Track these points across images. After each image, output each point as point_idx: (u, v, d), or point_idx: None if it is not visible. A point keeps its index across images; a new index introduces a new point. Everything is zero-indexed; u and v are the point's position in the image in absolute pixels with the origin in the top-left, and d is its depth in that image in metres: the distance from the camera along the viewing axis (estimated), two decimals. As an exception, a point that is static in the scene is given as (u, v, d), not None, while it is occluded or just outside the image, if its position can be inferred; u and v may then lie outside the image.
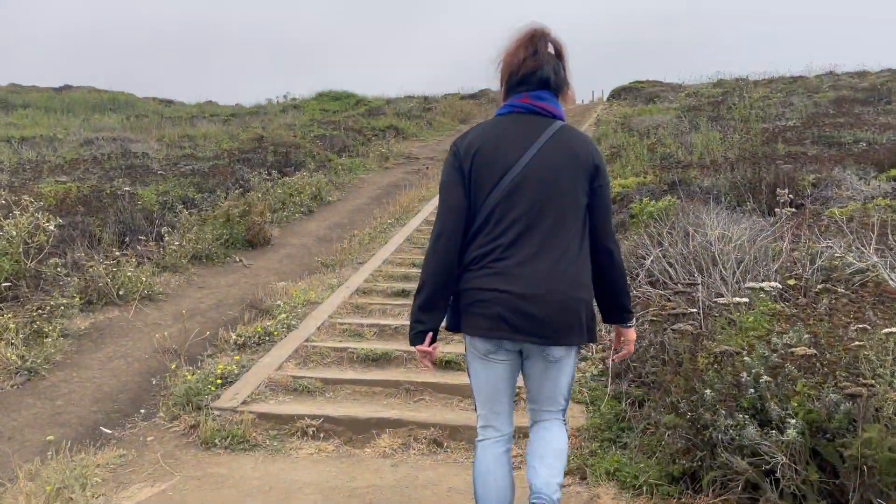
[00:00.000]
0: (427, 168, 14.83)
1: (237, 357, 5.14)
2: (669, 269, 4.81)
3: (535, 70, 2.46)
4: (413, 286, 7.14)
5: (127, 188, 8.86)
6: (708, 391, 3.01)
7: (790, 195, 6.80)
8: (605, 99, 32.13)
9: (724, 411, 2.90)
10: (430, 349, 2.50)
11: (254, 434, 4.15)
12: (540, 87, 2.49)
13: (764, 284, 3.63)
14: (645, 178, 8.48)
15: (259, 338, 5.48)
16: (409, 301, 6.53)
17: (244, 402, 4.43)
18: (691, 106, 18.45)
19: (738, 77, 29.72)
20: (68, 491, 3.23)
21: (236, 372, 4.84)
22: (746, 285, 3.79)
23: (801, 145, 9.86)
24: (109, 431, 4.10)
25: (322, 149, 15.75)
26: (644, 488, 3.22)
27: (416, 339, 2.50)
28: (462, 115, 27.59)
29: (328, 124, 21.52)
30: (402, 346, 5.47)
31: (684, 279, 4.69)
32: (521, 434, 3.58)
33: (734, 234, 4.92)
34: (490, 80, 2.61)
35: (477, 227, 2.44)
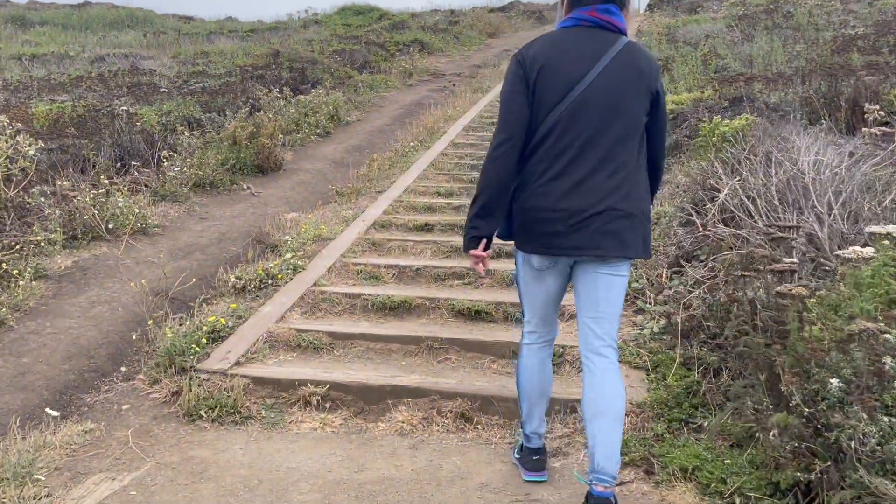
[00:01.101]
0: (454, 85, 13.76)
1: (233, 305, 4.44)
2: (749, 205, 3.93)
3: None
4: (437, 218, 6.35)
5: (124, 108, 8.05)
6: (834, 381, 2.21)
7: (880, 111, 5.78)
8: (640, 11, 30.19)
9: (859, 411, 2.10)
10: (483, 254, 2.55)
11: (247, 403, 3.47)
12: (607, 0, 2.45)
13: (892, 228, 2.76)
14: (702, 93, 7.43)
15: (261, 281, 4.76)
16: (432, 237, 5.75)
17: (237, 363, 3.74)
18: (742, 15, 16.87)
19: None
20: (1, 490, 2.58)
21: (230, 325, 4.14)
22: (869, 229, 2.92)
23: (878, 55, 8.64)
24: (55, 413, 3.41)
25: (341, 65, 14.71)
26: (736, 500, 2.47)
27: (470, 244, 2.56)
28: (490, 28, 26.01)
29: (350, 39, 20.31)
30: (424, 291, 4.72)
31: (771, 217, 3.82)
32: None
33: (828, 160, 4.00)
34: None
35: (537, 142, 2.45)
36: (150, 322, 4.09)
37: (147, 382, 3.69)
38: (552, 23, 25.18)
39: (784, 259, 2.96)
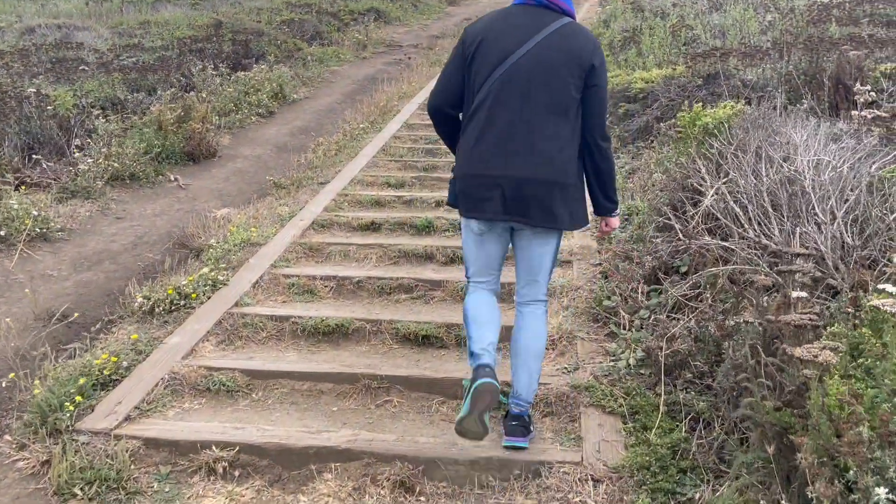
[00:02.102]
0: (409, 58, 12.96)
1: (134, 336, 3.74)
2: (738, 211, 3.35)
3: None
4: (385, 215, 5.61)
5: (32, 89, 7.16)
6: (881, 490, 1.64)
7: (871, 92, 5.24)
8: (605, -23, 29.49)
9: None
10: None
11: (136, 474, 2.80)
12: None
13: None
14: (673, 69, 6.83)
15: (172, 302, 4.05)
16: (379, 239, 5.11)
17: (128, 419, 3.06)
18: (709, -19, 16.28)
19: None
20: None
21: (126, 365, 3.44)
22: (899, 260, 2.34)
23: (857, 26, 8.14)
24: None
25: (290, 36, 13.79)
26: None
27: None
28: (451, -5, 25.00)
29: (302, 8, 19.25)
30: (364, 311, 4.07)
31: (764, 226, 3.25)
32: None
33: (829, 157, 3.43)
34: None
35: (472, 112, 2.61)
36: (22, 366, 3.35)
37: (14, 446, 2.99)
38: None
39: (793, 292, 2.37)
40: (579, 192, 2.67)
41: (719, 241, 3.37)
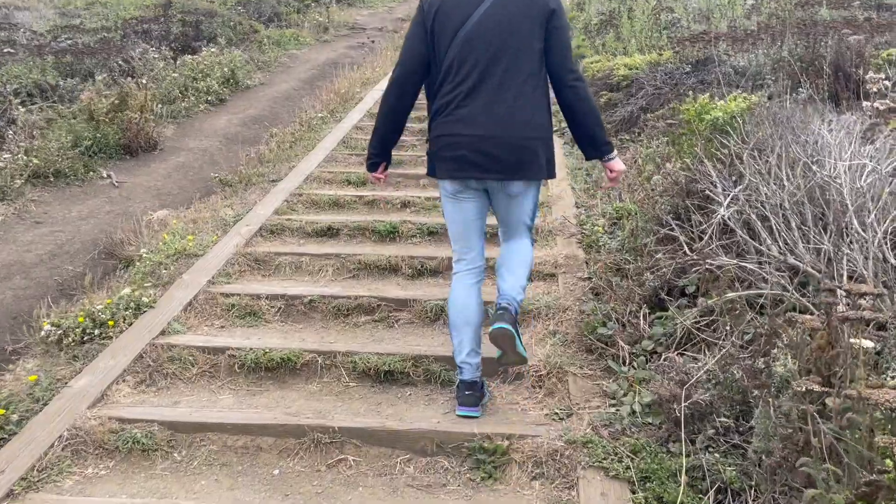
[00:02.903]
0: (373, 42, 12.24)
1: (32, 377, 3.07)
2: (760, 226, 2.80)
3: None
4: (344, 218, 4.94)
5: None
6: None
7: (884, 80, 4.74)
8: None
9: None
10: (382, 175, 2.92)
11: (12, 576, 2.17)
12: None
13: None
14: (659, 55, 6.29)
15: (85, 331, 3.39)
16: (336, 247, 4.47)
17: (9, 495, 2.41)
18: (683, -36, 15.82)
19: None
20: None
21: (16, 419, 2.78)
22: None
23: (847, 9, 7.69)
24: None
25: (245, 17, 12.96)
26: None
27: (371, 167, 2.91)
28: (417, -23, 24.19)
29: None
30: (317, 339, 3.46)
31: (790, 242, 2.71)
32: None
33: (859, 158, 2.90)
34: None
35: (441, 79, 2.64)
36: None
37: None
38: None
39: (856, 341, 1.82)
40: (552, 141, 2.70)
41: (737, 261, 2.82)
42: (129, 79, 7.32)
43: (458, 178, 2.68)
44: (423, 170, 6.02)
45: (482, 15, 2.57)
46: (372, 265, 4.21)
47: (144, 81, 7.20)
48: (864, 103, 4.63)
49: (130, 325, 3.47)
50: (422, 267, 4.18)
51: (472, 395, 2.75)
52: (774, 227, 2.84)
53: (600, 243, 4.26)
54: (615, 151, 2.81)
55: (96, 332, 3.38)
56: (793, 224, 2.82)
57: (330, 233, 4.72)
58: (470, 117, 2.58)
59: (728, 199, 2.91)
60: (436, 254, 4.31)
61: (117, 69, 8.13)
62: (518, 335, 2.68)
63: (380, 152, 2.86)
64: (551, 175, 2.74)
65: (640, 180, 4.97)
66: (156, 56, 8.15)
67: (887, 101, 4.58)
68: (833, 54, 5.72)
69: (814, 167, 2.80)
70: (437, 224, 4.72)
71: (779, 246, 2.82)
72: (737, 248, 2.99)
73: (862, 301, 1.95)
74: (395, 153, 6.44)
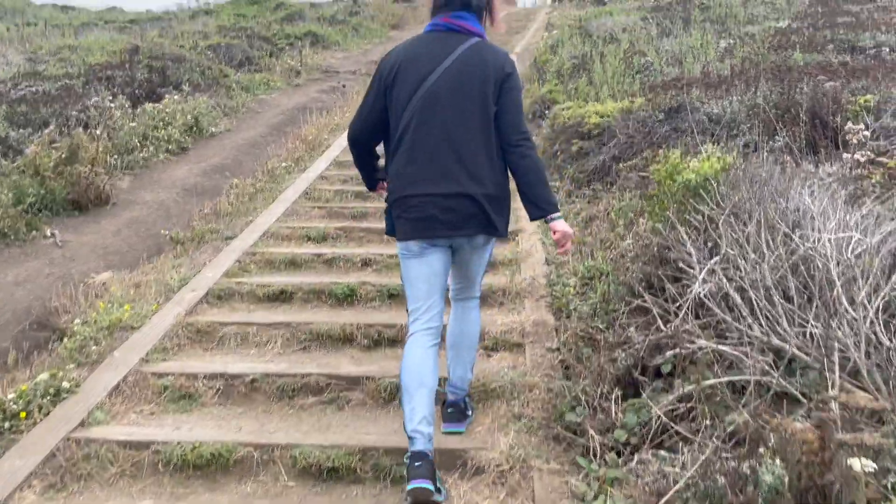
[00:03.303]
0: (343, 86, 12.05)
1: (-78, 487, 2.70)
2: (740, 303, 2.53)
3: None
4: (300, 280, 4.55)
5: None
6: None
7: (864, 131, 4.55)
8: (547, 2, 29.24)
9: None
10: (384, 189, 2.88)
11: None
12: (461, 8, 2.69)
13: None
14: (631, 102, 6.10)
15: (-8, 424, 3.01)
16: (288, 315, 4.15)
17: None
18: (655, 7, 15.91)
19: None
20: None
21: None
22: None
23: (821, 53, 7.59)
24: None
25: (216, 62, 12.73)
26: None
27: (371, 188, 3.04)
28: (393, 19, 24.35)
29: (237, 31, 18.27)
30: (257, 425, 3.12)
31: (772, 320, 2.43)
32: None
33: (845, 231, 2.64)
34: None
35: (398, 138, 2.68)
36: None
37: None
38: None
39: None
40: (508, 200, 2.75)
41: (716, 344, 2.54)
42: (84, 129, 7.00)
43: (426, 238, 2.68)
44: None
45: (440, 76, 2.64)
46: (325, 335, 3.89)
47: (99, 132, 6.89)
48: (845, 155, 4.44)
49: (47, 414, 3.11)
50: (379, 336, 3.87)
51: (424, 466, 2.52)
52: (755, 303, 2.56)
53: (571, 307, 3.97)
54: (560, 212, 2.78)
55: (6, 425, 3.02)
56: (776, 300, 2.55)
57: (283, 297, 4.39)
58: (432, 177, 2.62)
59: (704, 272, 2.64)
60: (395, 320, 4.01)
61: (74, 119, 7.81)
62: (467, 413, 3.04)
63: (370, 182, 3.03)
64: (505, 234, 2.82)
65: (612, 235, 4.72)
66: (112, 104, 7.83)
67: (867, 153, 4.39)
68: (809, 101, 5.56)
69: (796, 237, 2.54)
70: (399, 285, 4.41)
71: (761, 324, 2.54)
72: (715, 324, 2.71)
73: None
74: (360, 204, 6.17)
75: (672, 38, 10.93)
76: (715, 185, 2.89)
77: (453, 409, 3.00)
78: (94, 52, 13.95)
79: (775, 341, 2.50)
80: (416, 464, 2.51)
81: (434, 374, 2.68)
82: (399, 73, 2.66)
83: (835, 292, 2.47)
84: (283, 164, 7.36)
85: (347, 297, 4.35)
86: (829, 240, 2.47)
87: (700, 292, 2.54)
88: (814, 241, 2.50)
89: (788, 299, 2.57)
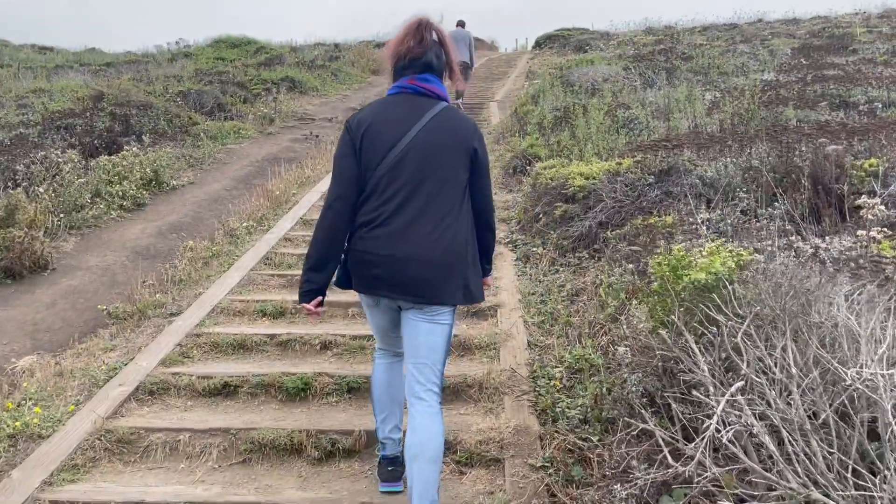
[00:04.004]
0: (317, 136, 11.60)
1: None
2: (771, 446, 2.01)
3: (420, 56, 2.71)
4: (248, 369, 3.97)
5: None
6: None
7: (878, 207, 4.12)
8: (528, 48, 29.33)
9: None
10: (316, 310, 2.73)
11: None
12: (424, 70, 2.73)
13: None
14: (618, 163, 5.66)
15: None
16: (230, 414, 3.55)
17: None
18: (637, 56, 15.77)
19: (666, 24, 28.23)
20: None
21: None
22: None
23: (813, 109, 7.26)
24: None
25: (184, 109, 12.27)
26: None
27: (304, 297, 2.72)
28: (374, 65, 24.14)
29: (213, 76, 17.92)
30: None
31: (811, 467, 1.91)
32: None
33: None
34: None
35: (366, 196, 2.66)
36: None
37: None
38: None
39: None
40: (471, 267, 2.71)
41: (740, 489, 2.00)
42: (29, 185, 6.43)
43: (370, 294, 2.72)
44: (356, 296, 5.21)
45: (412, 140, 2.63)
46: (269, 444, 3.31)
47: (42, 190, 6.32)
48: (860, 232, 4.00)
49: None
50: (333, 447, 3.30)
51: (395, 470, 2.89)
52: (789, 444, 2.04)
53: (557, 409, 3.44)
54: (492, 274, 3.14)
55: None
56: (813, 443, 2.03)
57: (226, 391, 3.82)
58: (389, 237, 2.60)
59: (723, 404, 2.12)
60: (353, 424, 3.45)
61: (22, 173, 7.25)
62: None
63: (315, 279, 2.68)
64: (468, 301, 2.73)
65: (602, 317, 4.22)
66: (61, 158, 7.27)
67: (884, 230, 3.95)
68: (811, 165, 5.15)
69: (835, 363, 2.03)
70: (361, 377, 3.87)
71: (797, 473, 2.02)
72: (730, 455, 2.18)
73: None
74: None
75: (656, 88, 10.65)
76: (731, 289, 2.39)
77: None
78: (59, 98, 13.46)
79: (816, 495, 1.98)
80: (389, 468, 2.90)
81: (402, 387, 2.84)
82: (368, 134, 2.65)
83: (889, 433, 1.96)
84: (244, 224, 6.81)
85: (300, 392, 3.78)
86: (881, 370, 1.96)
87: (722, 436, 2.01)
88: (860, 371, 1.99)
89: (829, 443, 2.05)
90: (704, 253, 2.75)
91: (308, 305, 2.69)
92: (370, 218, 2.61)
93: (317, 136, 11.50)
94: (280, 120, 13.42)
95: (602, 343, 3.94)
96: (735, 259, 2.51)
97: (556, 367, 3.92)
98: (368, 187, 2.63)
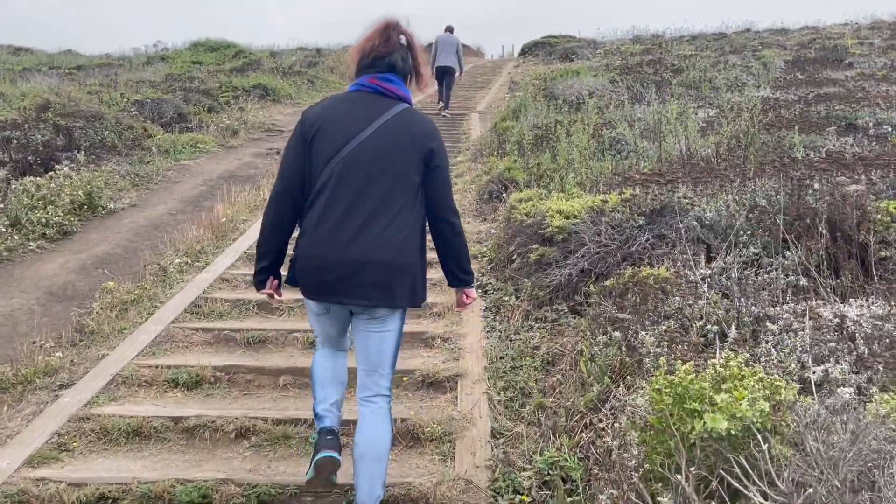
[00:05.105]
0: (278, 153, 10.75)
1: None
2: None
3: (384, 55, 2.69)
4: (142, 464, 3.22)
5: None
6: None
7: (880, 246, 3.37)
8: (514, 55, 28.65)
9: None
10: (274, 292, 2.82)
11: None
12: (388, 70, 2.70)
13: None
14: (603, 201, 4.88)
15: None
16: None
17: None
18: (624, 67, 15.05)
19: (654, 33, 27.81)
20: None
21: None
22: None
23: (820, 134, 6.52)
24: None
25: (139, 120, 11.38)
26: None
27: (259, 285, 2.81)
28: (352, 71, 23.23)
29: (173, 83, 17.03)
30: None
31: None
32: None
33: None
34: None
35: (314, 195, 2.61)
36: None
37: None
38: (428, 64, 22.94)
39: None
40: (419, 270, 2.72)
41: None
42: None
43: (320, 301, 2.71)
44: (291, 359, 4.39)
45: (364, 141, 2.60)
46: None
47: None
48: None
49: None
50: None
51: (334, 439, 2.80)
52: None
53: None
54: (474, 282, 3.08)
55: None
56: None
57: (101, 505, 2.98)
58: (338, 240, 2.57)
59: None
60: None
61: (-70, 196, 6.37)
62: None
63: (266, 267, 2.77)
64: (415, 304, 2.74)
65: (582, 403, 3.42)
66: (-30, 183, 6.40)
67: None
68: (828, 208, 4.39)
69: None
70: (276, 486, 3.06)
71: None
72: None
73: None
74: (261, 324, 4.81)
75: (644, 104, 9.91)
76: (763, 441, 1.61)
77: None
78: (7, 106, 12.53)
79: None
80: (328, 437, 2.77)
81: (344, 372, 2.93)
82: (322, 129, 2.62)
83: None
84: (178, 261, 5.96)
85: (197, 508, 2.95)
86: None
87: None
88: None
89: None
90: (720, 367, 1.95)
91: (265, 290, 2.78)
92: (318, 219, 2.58)
93: (278, 153, 10.65)
94: (245, 131, 12.57)
95: (582, 441, 3.15)
96: (769, 392, 1.72)
97: (525, 469, 3.13)
98: (318, 184, 2.60)
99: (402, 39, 2.76)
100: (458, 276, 2.82)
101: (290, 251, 2.76)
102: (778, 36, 24.32)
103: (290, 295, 5.16)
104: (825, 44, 18.32)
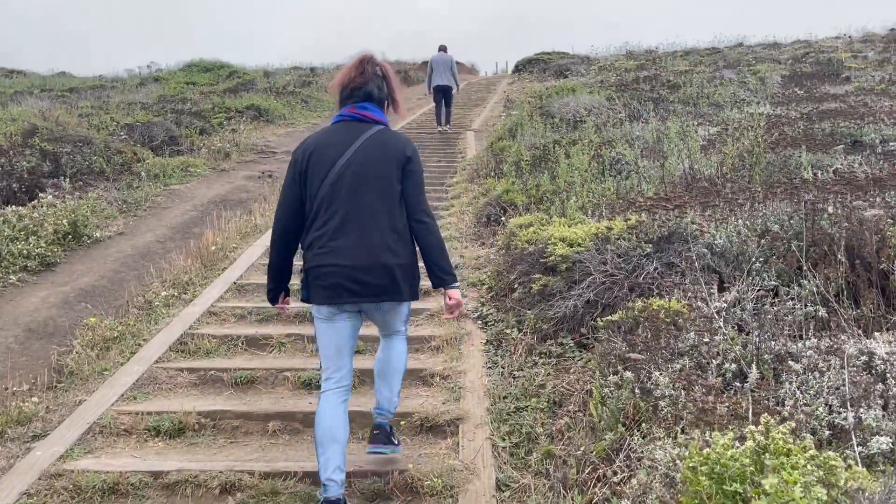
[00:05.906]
0: (270, 175, 10.53)
1: None
2: None
3: (361, 86, 3.05)
4: None
5: None
6: None
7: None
8: (508, 72, 28.57)
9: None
10: (284, 305, 3.28)
11: None
12: (365, 99, 3.06)
13: None
14: (608, 228, 4.65)
15: None
16: None
17: None
18: (620, 83, 14.91)
19: (647, 49, 27.79)
20: None
21: None
22: None
23: (827, 153, 6.33)
24: None
25: (129, 144, 11.15)
26: None
27: (273, 300, 3.23)
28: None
29: (180, 102, 16.88)
30: None
31: None
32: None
33: None
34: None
35: (313, 215, 2.98)
36: None
37: None
38: (421, 83, 22.67)
39: None
40: (414, 268, 3.04)
41: None
42: None
43: (335, 305, 2.95)
44: (281, 401, 4.14)
45: (348, 159, 2.95)
46: None
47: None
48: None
49: None
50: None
51: (381, 434, 3.22)
52: None
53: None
54: (458, 283, 3.15)
55: None
56: None
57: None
58: (342, 249, 2.88)
59: None
60: None
61: None
62: (392, 440, 3.31)
63: (277, 284, 3.19)
64: (414, 297, 3.08)
65: (594, 451, 3.16)
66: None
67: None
68: (846, 234, 4.17)
69: None
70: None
71: None
72: None
73: None
74: (251, 363, 4.56)
75: (643, 122, 9.73)
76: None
77: (379, 431, 3.26)
78: (-6, 131, 12.29)
79: None
80: None
81: (345, 428, 2.99)
82: (311, 158, 2.97)
83: None
84: (164, 294, 5.71)
85: (175, 579, 2.69)
86: None
87: None
88: None
89: None
90: (758, 435, 1.71)
91: (278, 304, 3.22)
92: (321, 234, 2.92)
93: (270, 176, 10.42)
94: (238, 154, 12.35)
95: (595, 498, 2.90)
96: (822, 472, 1.48)
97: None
98: (315, 205, 2.94)
99: (378, 70, 3.10)
100: (437, 274, 3.05)
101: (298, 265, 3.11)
102: (771, 50, 24.29)
103: (282, 329, 4.95)
104: (819, 57, 18.25)
